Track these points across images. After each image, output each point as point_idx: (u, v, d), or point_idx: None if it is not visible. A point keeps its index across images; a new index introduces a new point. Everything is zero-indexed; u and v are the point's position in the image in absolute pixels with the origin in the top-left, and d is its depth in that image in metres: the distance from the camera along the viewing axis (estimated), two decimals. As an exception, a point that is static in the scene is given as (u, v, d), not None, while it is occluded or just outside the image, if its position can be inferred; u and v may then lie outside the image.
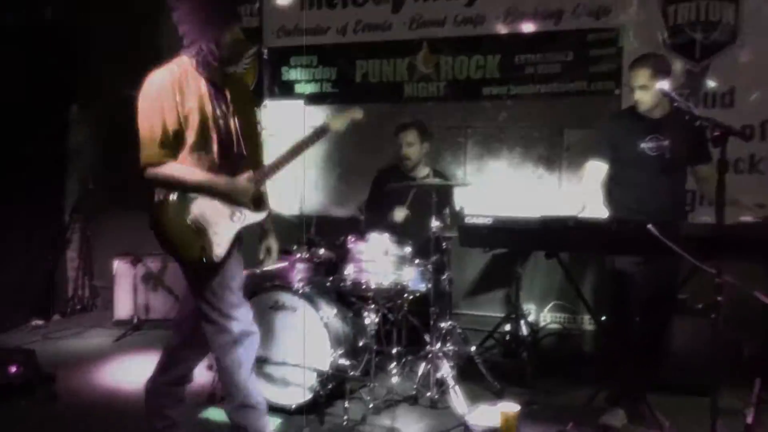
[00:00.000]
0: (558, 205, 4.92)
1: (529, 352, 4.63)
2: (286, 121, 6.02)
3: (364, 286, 4.03)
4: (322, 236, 4.54)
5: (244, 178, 2.98)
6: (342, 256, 4.21)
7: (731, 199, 3.53)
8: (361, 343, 4.14)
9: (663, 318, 3.79)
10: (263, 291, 4.12)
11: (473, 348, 4.52)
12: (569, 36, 5.16)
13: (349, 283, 4.06)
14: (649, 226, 2.99)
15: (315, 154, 5.96)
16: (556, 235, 3.20)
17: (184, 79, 2.81)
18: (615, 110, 4.58)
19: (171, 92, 2.77)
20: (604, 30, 5.07)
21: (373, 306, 4.09)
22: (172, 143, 2.79)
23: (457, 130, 5.50)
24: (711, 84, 4.86)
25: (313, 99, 5.95)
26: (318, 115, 5.93)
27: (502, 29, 5.33)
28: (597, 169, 3.79)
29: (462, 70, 5.48)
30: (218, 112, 2.88)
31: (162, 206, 2.85)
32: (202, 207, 2.88)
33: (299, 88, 5.99)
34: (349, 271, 4.07)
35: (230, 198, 2.94)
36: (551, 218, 3.22)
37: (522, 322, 4.81)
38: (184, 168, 2.83)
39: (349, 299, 4.33)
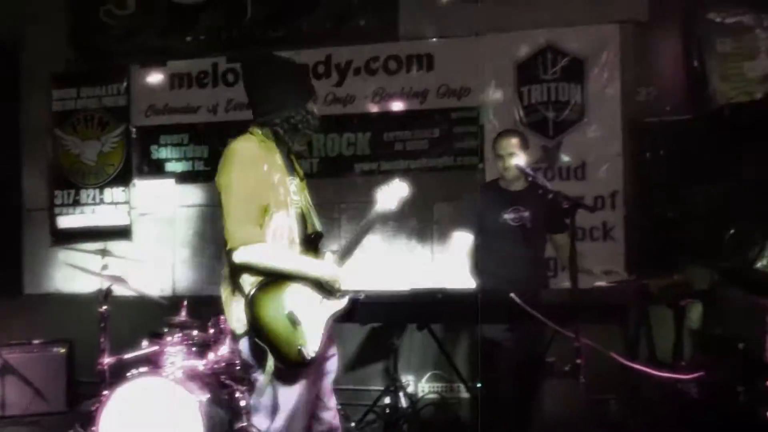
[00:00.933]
0: (431, 277, 5.02)
1: (409, 423, 4.64)
2: (157, 200, 5.92)
3: (238, 367, 3.94)
4: (195, 317, 4.42)
5: (330, 262, 2.71)
6: (216, 336, 4.12)
7: (582, 268, 3.86)
8: (237, 427, 4.02)
9: (532, 382, 3.92)
10: (134, 377, 3.95)
11: (353, 424, 4.48)
12: (434, 114, 5.41)
13: (222, 365, 3.98)
14: (512, 294, 3.14)
15: (186, 231, 5.87)
16: (425, 308, 3.32)
17: (265, 152, 2.65)
18: (481, 183, 4.80)
19: (261, 166, 2.57)
20: (466, 109, 5.36)
21: (248, 387, 3.99)
22: (262, 222, 2.54)
23: (331, 206, 5.55)
24: (564, 158, 5.20)
25: (184, 177, 5.89)
26: (190, 193, 5.86)
27: (371, 108, 5.53)
28: (464, 240, 3.95)
29: (334, 147, 5.60)
30: (293, 187, 2.73)
31: (259, 299, 2.51)
32: (295, 296, 2.59)
33: (170, 167, 5.92)
34: (223, 351, 3.99)
35: (320, 284, 2.66)
36: (420, 291, 3.34)
37: (401, 393, 4.84)
38: (279, 250, 2.56)
39: (224, 381, 4.21)
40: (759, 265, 3.61)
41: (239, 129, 5.35)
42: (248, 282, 2.53)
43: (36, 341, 5.46)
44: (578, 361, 2.88)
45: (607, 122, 5.13)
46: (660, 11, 4.99)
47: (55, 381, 5.40)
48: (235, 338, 2.61)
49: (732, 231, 3.96)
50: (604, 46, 5.11)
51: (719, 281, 3.80)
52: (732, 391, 3.48)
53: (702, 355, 3.79)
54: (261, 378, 2.53)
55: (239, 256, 2.52)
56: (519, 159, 3.78)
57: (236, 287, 2.55)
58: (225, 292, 2.61)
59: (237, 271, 2.53)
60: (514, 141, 3.89)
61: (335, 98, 5.58)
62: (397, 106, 5.50)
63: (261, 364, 2.52)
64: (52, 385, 5.37)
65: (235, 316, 2.55)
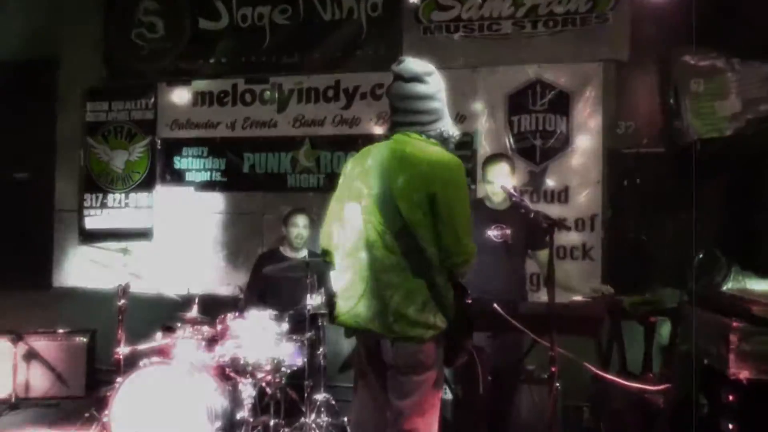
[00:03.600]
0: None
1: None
2: (177, 206, 5.93)
3: (242, 361, 3.92)
4: (206, 314, 4.39)
5: None
6: (223, 332, 4.09)
7: (566, 285, 3.83)
8: (238, 417, 3.98)
9: (510, 386, 3.88)
10: (145, 366, 3.92)
11: (346, 419, 4.42)
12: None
13: (228, 358, 3.95)
14: (495, 305, 3.10)
15: (202, 235, 5.84)
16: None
17: None
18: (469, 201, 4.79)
19: None
20: (462, 134, 5.23)
21: (250, 380, 3.96)
22: None
23: None
24: (549, 183, 5.17)
25: (202, 186, 5.88)
26: (207, 201, 5.85)
27: (375, 129, 5.50)
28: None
29: (340, 164, 5.52)
30: None
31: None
32: None
33: (190, 176, 5.91)
34: (229, 347, 3.96)
35: None
36: None
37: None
38: None
39: (229, 374, 4.17)
40: (725, 287, 3.56)
41: (254, 145, 5.71)
42: (450, 291, 2.57)
43: (60, 330, 5.43)
44: (553, 369, 2.81)
45: (589, 151, 5.11)
46: (639, 52, 4.97)
47: (75, 367, 5.36)
48: (408, 341, 2.54)
49: (701, 255, 3.91)
50: (588, 82, 5.10)
51: (687, 301, 3.74)
52: (696, 403, 3.46)
53: (669, 368, 3.75)
54: (433, 375, 2.59)
55: (468, 267, 2.60)
56: (505, 182, 3.73)
57: (437, 296, 2.53)
58: (414, 300, 2.51)
59: (439, 281, 2.52)
60: (507, 167, 3.90)
61: (342, 120, 5.59)
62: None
63: (437, 364, 2.60)
64: (73, 371, 5.33)
65: (429, 322, 2.53)
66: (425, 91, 2.66)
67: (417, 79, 2.66)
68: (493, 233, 3.87)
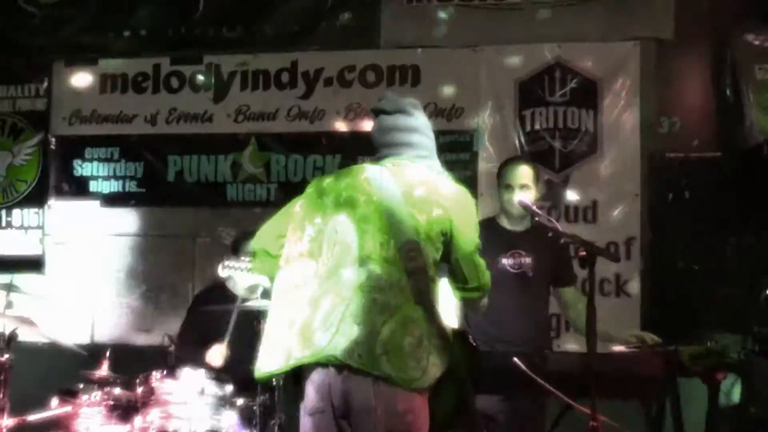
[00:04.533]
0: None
1: None
2: (77, 226, 5.84)
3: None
4: (119, 372, 4.28)
5: None
6: (145, 397, 3.98)
7: (604, 334, 3.78)
8: None
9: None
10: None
11: None
12: None
13: (153, 432, 3.83)
14: (515, 359, 3.05)
15: (111, 266, 5.77)
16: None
17: None
18: None
19: None
20: (458, 132, 5.36)
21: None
22: None
23: None
24: (572, 197, 5.20)
25: (112, 200, 5.81)
26: (118, 220, 5.76)
27: (342, 126, 5.50)
28: (450, 289, 3.84)
29: (297, 171, 5.56)
30: None
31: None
32: None
33: (95, 186, 5.84)
34: (153, 417, 3.85)
35: None
36: None
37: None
38: None
39: (152, 454, 4.04)
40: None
41: (183, 144, 5.64)
42: (448, 329, 2.71)
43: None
44: (596, 445, 2.77)
45: (623, 156, 5.14)
46: (688, 29, 5.03)
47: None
48: (405, 388, 2.59)
49: (768, 290, 3.90)
50: (621, 67, 5.14)
51: (755, 350, 3.73)
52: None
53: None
54: None
55: (485, 300, 2.92)
56: (528, 194, 3.73)
57: (437, 331, 2.65)
58: (412, 331, 2.60)
59: (435, 317, 2.66)
60: (528, 171, 3.85)
61: (301, 113, 5.56)
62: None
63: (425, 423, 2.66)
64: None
65: (422, 364, 2.60)
66: (413, 124, 2.93)
67: (403, 111, 2.93)
68: (507, 262, 3.81)
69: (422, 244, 2.65)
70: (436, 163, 2.93)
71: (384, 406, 2.56)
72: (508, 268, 3.81)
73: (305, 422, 2.74)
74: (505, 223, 3.92)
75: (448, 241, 2.72)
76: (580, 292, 3.94)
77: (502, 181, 3.90)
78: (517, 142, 5.28)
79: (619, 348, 3.53)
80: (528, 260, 3.82)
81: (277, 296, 2.79)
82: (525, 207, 3.60)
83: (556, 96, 5.23)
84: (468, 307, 2.92)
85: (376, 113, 2.98)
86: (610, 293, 5.09)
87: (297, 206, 2.89)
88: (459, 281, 2.79)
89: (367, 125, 5.36)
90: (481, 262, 2.81)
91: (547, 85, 5.24)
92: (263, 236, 2.95)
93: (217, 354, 4.45)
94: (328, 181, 2.90)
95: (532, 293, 3.84)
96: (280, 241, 2.85)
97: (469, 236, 2.76)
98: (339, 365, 2.58)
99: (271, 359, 2.70)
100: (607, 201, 5.14)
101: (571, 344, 4.69)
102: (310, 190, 2.91)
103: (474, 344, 2.83)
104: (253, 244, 2.97)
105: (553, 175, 5.22)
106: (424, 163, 2.87)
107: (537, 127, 5.26)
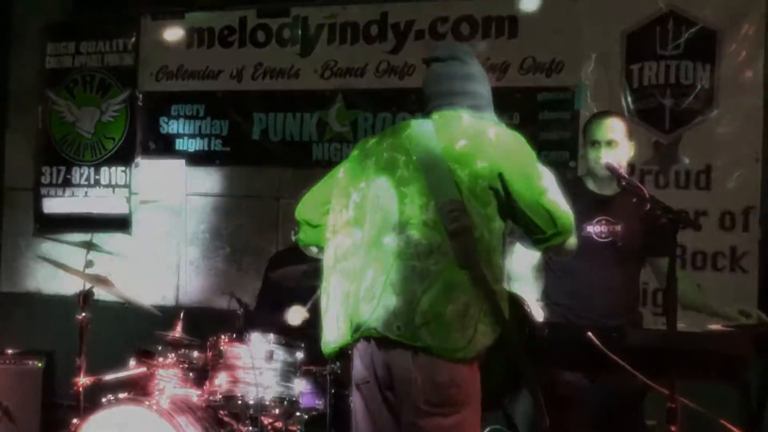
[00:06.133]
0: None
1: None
2: (163, 185, 6.02)
3: (240, 402, 3.95)
4: (195, 334, 4.45)
5: None
6: (214, 360, 4.12)
7: (704, 306, 3.72)
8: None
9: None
10: (110, 405, 4.00)
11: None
12: (515, 95, 5.32)
13: (220, 396, 3.98)
14: (589, 333, 2.99)
15: (195, 227, 5.96)
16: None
17: None
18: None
19: None
20: (557, 89, 5.28)
21: (251, 428, 3.99)
22: None
23: None
24: (684, 160, 5.06)
25: (197, 159, 5.97)
26: (203, 179, 5.93)
27: None
28: (528, 254, 3.77)
29: (383, 129, 5.49)
30: None
31: None
32: None
33: (181, 145, 6.01)
34: (221, 380, 3.99)
35: None
36: None
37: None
38: None
39: (222, 418, 4.20)
40: None
41: (268, 102, 5.74)
42: (505, 294, 2.71)
43: (10, 351, 5.59)
44: (672, 429, 2.71)
45: (743, 115, 4.97)
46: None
47: (29, 401, 5.52)
48: (439, 356, 2.60)
49: None
50: (743, 14, 4.96)
51: None
52: None
53: None
54: (470, 417, 2.67)
55: (572, 241, 2.85)
56: (618, 152, 3.62)
57: (486, 296, 2.62)
58: (455, 298, 2.59)
59: (492, 277, 2.64)
60: (617, 124, 3.73)
61: (390, 68, 5.58)
62: None
63: (476, 402, 2.67)
64: (25, 406, 5.47)
65: (468, 334, 2.60)
66: (469, 71, 2.91)
67: (457, 58, 2.92)
68: (595, 229, 3.71)
69: (466, 201, 2.62)
70: (491, 114, 2.89)
71: (424, 377, 2.58)
72: (594, 236, 3.71)
73: (354, 394, 2.84)
74: (591, 185, 3.80)
75: (501, 194, 2.67)
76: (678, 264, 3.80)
77: (588, 138, 3.79)
78: (623, 99, 5.16)
79: (714, 326, 3.41)
80: (618, 228, 3.70)
81: (328, 268, 2.83)
82: (610, 169, 3.48)
83: (669, 48, 5.09)
84: (555, 254, 2.99)
85: (428, 62, 2.97)
86: (724, 268, 4.95)
87: (341, 172, 2.92)
88: (534, 232, 2.74)
89: None
90: (555, 204, 2.73)
91: (659, 36, 5.09)
92: (304, 206, 2.99)
93: (296, 315, 4.56)
94: (372, 141, 2.91)
95: (621, 264, 3.73)
96: (323, 209, 2.89)
97: (527, 183, 2.69)
98: (380, 338, 2.62)
99: (333, 333, 2.76)
100: (723, 165, 4.98)
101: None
102: (355, 152, 2.93)
103: (527, 311, 2.82)
104: (297, 213, 3.00)
105: (662, 137, 5.09)
106: (479, 114, 2.83)
107: (646, 83, 5.14)
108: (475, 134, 2.71)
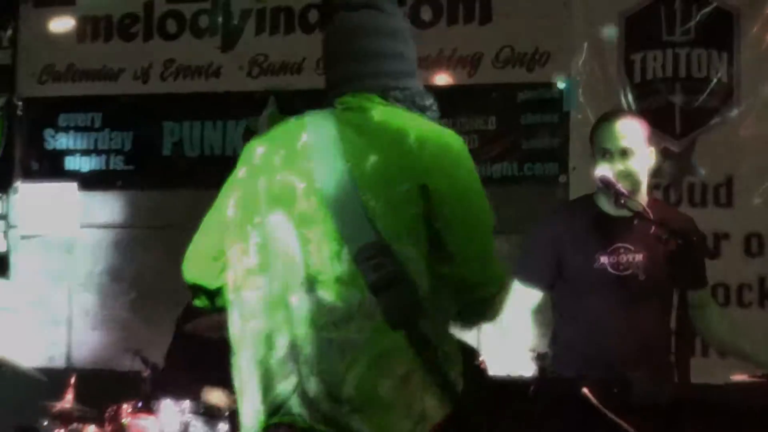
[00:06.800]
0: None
1: None
2: (49, 214, 5.95)
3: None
4: (88, 403, 4.45)
5: None
6: (114, 435, 4.10)
7: (734, 348, 3.79)
8: None
9: None
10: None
11: None
12: (490, 93, 5.37)
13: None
14: (585, 389, 3.02)
15: (91, 267, 5.91)
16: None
17: None
18: (562, 203, 4.79)
19: None
20: (542, 86, 5.33)
21: None
22: None
23: None
24: (699, 171, 5.10)
25: (93, 181, 5.95)
26: (100, 207, 5.91)
27: None
28: (526, 296, 3.83)
29: (328, 140, 5.59)
30: None
31: None
32: None
33: (72, 164, 5.99)
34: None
35: None
36: None
37: None
38: None
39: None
40: None
41: (183, 107, 5.72)
42: (458, 354, 2.56)
43: None
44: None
45: (770, 114, 5.01)
46: None
47: None
48: None
49: None
50: (769, -9, 5.01)
51: None
52: None
53: None
54: None
55: (504, 298, 2.66)
56: (636, 162, 3.62)
57: (432, 361, 2.51)
58: (390, 370, 2.49)
59: (436, 334, 2.51)
60: (632, 128, 3.72)
61: None
62: (433, 78, 5.44)
63: None
64: None
65: (415, 409, 2.50)
66: (388, 24, 2.69)
67: (372, 5, 2.68)
68: (608, 260, 3.71)
69: (390, 241, 2.45)
70: (415, 82, 2.68)
71: None
72: (610, 269, 3.71)
73: None
74: (605, 205, 3.78)
75: (434, 222, 2.45)
76: (711, 297, 3.95)
77: (597, 145, 3.78)
78: (622, 97, 5.22)
79: (740, 377, 3.44)
80: (638, 257, 3.70)
81: (236, 336, 2.62)
82: (606, 183, 3.51)
83: (677, 34, 5.15)
84: (472, 315, 2.64)
85: (328, 15, 2.83)
86: (751, 303, 4.99)
87: (230, 207, 2.64)
88: (458, 276, 2.48)
89: (422, 76, 5.42)
90: (491, 243, 2.54)
91: (664, 19, 5.16)
92: (192, 264, 2.72)
93: (218, 398, 4.50)
94: (261, 151, 2.65)
95: (644, 302, 3.71)
96: (216, 265, 2.65)
97: (463, 207, 2.49)
98: (306, 428, 2.49)
99: (250, 416, 2.59)
100: (747, 177, 5.04)
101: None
102: (241, 170, 2.66)
103: (481, 367, 2.67)
104: (185, 274, 2.74)
105: (672, 142, 5.12)
106: (400, 89, 2.62)
107: (650, 76, 5.20)
108: (391, 142, 2.49)
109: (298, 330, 2.47)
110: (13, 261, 6.02)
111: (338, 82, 2.67)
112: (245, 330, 2.56)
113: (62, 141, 6.02)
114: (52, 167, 6.01)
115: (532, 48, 5.32)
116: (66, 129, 6.01)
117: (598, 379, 3.13)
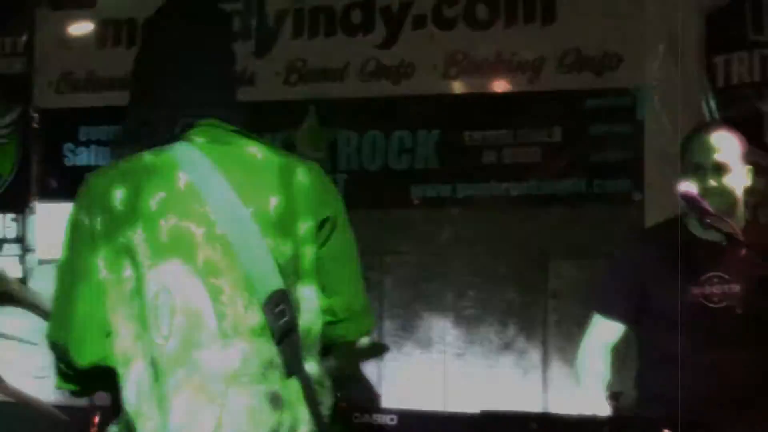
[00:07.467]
0: (533, 390, 5.17)
1: None
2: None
3: None
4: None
5: None
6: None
7: None
8: None
9: None
10: None
11: None
12: (554, 101, 5.27)
13: None
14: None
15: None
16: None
17: None
18: (644, 229, 4.63)
19: None
20: (613, 92, 5.20)
21: None
22: None
23: (368, 258, 5.27)
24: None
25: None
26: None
27: (441, 87, 5.43)
28: (605, 331, 3.83)
29: (373, 154, 5.53)
30: None
31: None
32: None
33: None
34: None
35: None
36: (496, 414, 3.36)
37: None
38: None
39: None
40: None
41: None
42: (331, 393, 2.63)
43: None
44: None
45: None
46: None
47: None
48: None
49: None
50: None
51: None
52: None
53: None
54: None
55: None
56: (731, 180, 3.52)
57: (313, 403, 2.55)
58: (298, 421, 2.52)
59: (315, 375, 2.57)
60: (727, 141, 3.62)
61: (379, 68, 5.53)
62: (489, 84, 5.41)
63: None
64: None
65: None
66: (226, 36, 2.79)
67: (209, 14, 2.68)
68: (706, 291, 3.63)
69: (293, 285, 2.46)
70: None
71: None
72: (705, 301, 3.59)
73: None
74: (697, 229, 3.64)
75: (325, 257, 2.56)
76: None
77: (687, 160, 3.69)
78: (704, 105, 5.03)
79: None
80: (734, 288, 3.59)
81: (131, 409, 2.41)
82: (688, 199, 3.39)
83: (765, 33, 4.96)
84: (347, 354, 2.88)
85: (161, 15, 2.62)
86: None
87: (100, 267, 2.41)
88: (341, 311, 2.58)
89: (476, 85, 5.40)
90: (362, 286, 2.67)
91: (751, 16, 4.97)
92: (88, 343, 2.44)
93: None
94: (119, 195, 2.43)
95: (741, 339, 3.58)
96: (110, 338, 2.45)
97: (344, 238, 2.60)
98: None
99: None
100: None
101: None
102: (95, 220, 2.43)
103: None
104: (79, 359, 2.45)
105: (762, 156, 4.86)
106: (240, 115, 2.59)
107: (735, 81, 5.02)
108: (281, 181, 2.51)
109: (213, 388, 2.41)
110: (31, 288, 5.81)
111: (181, 113, 2.54)
112: (140, 402, 2.42)
113: (83, 156, 5.97)
114: (71, 185, 5.68)
115: (601, 51, 5.20)
116: (87, 143, 5.95)
117: (684, 423, 3.06)
